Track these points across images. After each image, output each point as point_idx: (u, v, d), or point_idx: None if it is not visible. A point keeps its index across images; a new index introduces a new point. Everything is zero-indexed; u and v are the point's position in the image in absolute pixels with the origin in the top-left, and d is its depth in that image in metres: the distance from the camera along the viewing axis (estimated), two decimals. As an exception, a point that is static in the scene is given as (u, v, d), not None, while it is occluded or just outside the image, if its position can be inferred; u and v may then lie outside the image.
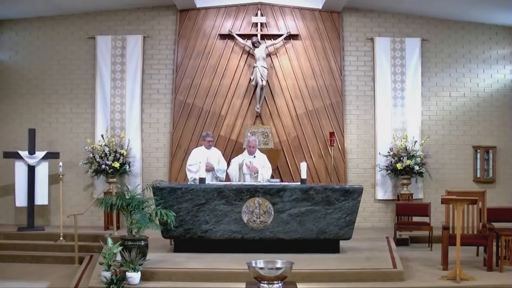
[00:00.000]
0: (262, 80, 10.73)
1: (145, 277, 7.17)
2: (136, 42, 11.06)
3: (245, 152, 9.35)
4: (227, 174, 9.41)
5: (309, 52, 11.15)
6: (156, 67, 11.19)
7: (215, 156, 9.46)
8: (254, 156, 9.22)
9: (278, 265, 5.51)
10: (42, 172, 10.47)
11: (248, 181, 9.01)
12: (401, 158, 10.60)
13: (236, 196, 8.19)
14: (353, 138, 11.19)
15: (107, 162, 10.38)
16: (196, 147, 9.83)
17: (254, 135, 10.36)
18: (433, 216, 9.78)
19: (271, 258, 5.96)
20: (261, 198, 8.20)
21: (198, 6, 11.05)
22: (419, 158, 10.62)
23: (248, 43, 10.97)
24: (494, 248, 7.89)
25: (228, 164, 9.45)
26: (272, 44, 11.05)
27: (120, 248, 7.32)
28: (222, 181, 9.37)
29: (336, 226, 8.25)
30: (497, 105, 11.29)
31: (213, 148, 9.59)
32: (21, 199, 10.37)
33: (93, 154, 10.54)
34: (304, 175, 8.56)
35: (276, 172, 10.65)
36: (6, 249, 9.50)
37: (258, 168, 9.07)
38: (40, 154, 10.41)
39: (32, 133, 10.46)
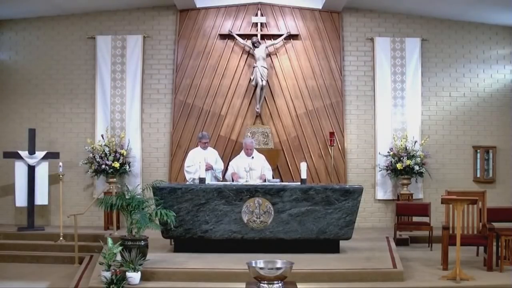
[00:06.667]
0: (262, 80, 10.72)
1: (145, 277, 7.17)
2: (136, 42, 11.06)
3: (242, 153, 9.35)
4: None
5: (309, 52, 11.14)
6: (156, 67, 11.19)
7: (212, 156, 9.49)
8: (252, 157, 9.23)
9: (278, 265, 5.50)
10: (42, 172, 10.47)
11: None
12: (401, 158, 10.59)
13: (236, 196, 8.19)
14: (353, 138, 11.18)
15: (107, 162, 10.38)
16: (195, 147, 9.86)
17: (252, 136, 10.35)
18: (433, 216, 9.77)
19: (271, 258, 5.95)
20: (261, 198, 8.20)
21: (198, 6, 11.05)
22: (419, 158, 10.61)
23: (248, 43, 10.96)
24: (494, 248, 7.89)
25: (227, 166, 9.46)
26: (272, 44, 11.04)
27: (120, 248, 7.32)
28: (220, 180, 9.39)
29: (336, 226, 8.25)
30: (497, 105, 11.29)
31: (209, 148, 9.63)
32: (21, 199, 10.37)
33: (93, 154, 10.54)
34: (304, 175, 8.56)
35: (276, 172, 10.65)
36: (6, 249, 9.50)
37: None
38: (40, 154, 10.41)
39: (32, 133, 10.46)
